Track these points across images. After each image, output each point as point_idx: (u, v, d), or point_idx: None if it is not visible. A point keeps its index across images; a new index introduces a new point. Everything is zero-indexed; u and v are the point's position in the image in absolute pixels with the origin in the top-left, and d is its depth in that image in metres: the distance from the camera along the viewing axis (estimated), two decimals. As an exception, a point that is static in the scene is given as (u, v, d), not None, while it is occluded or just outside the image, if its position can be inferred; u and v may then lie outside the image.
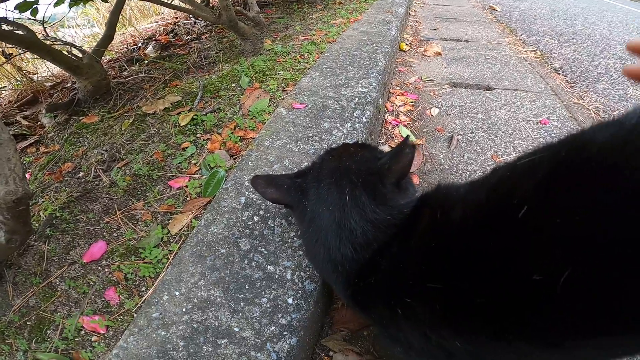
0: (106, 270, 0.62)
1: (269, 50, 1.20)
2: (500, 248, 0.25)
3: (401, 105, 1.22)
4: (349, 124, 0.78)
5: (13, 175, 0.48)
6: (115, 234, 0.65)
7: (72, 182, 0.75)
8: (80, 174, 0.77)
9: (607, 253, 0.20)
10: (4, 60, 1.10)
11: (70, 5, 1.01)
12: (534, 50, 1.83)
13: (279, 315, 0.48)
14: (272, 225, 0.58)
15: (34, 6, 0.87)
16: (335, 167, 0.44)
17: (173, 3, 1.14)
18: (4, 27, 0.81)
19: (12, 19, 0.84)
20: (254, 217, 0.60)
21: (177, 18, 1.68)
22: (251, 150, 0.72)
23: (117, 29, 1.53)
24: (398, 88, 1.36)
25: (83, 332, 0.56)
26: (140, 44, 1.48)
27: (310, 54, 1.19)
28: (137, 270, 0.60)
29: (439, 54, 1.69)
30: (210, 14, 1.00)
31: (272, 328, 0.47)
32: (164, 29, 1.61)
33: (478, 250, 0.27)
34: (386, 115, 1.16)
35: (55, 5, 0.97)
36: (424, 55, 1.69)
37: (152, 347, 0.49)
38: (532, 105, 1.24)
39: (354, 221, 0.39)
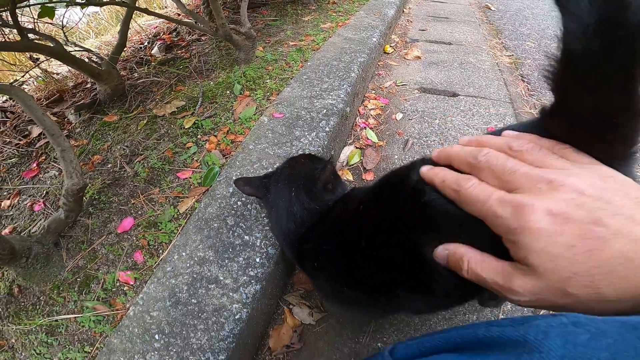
0: (134, 238, 0.85)
1: (260, 57, 1.39)
2: (372, 226, 0.43)
3: (372, 109, 1.42)
4: (314, 132, 1.00)
5: (76, 172, 0.72)
6: (139, 212, 0.89)
7: (103, 172, 0.99)
8: (109, 165, 1.01)
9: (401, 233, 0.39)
10: (32, 65, 1.31)
11: (83, 6, 1.18)
12: (510, 55, 1.96)
13: (250, 270, 0.68)
14: (250, 208, 0.83)
15: (55, 6, 1.04)
16: (288, 173, 0.68)
17: (179, 16, 1.31)
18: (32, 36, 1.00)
19: (35, 29, 1.03)
20: (238, 202, 0.84)
21: (179, 16, 1.84)
22: (238, 152, 0.96)
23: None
24: (373, 92, 1.55)
25: (118, 284, 0.76)
26: (146, 43, 1.66)
27: (296, 62, 1.38)
28: (156, 238, 0.85)
29: (419, 57, 1.84)
30: (209, 27, 1.19)
31: (245, 277, 0.68)
32: (167, 27, 1.78)
33: (361, 227, 0.45)
34: (357, 118, 1.37)
35: (66, 6, 1.13)
36: (404, 58, 1.85)
37: (166, 291, 0.68)
38: (487, 112, 1.43)
39: (296, 209, 0.62)
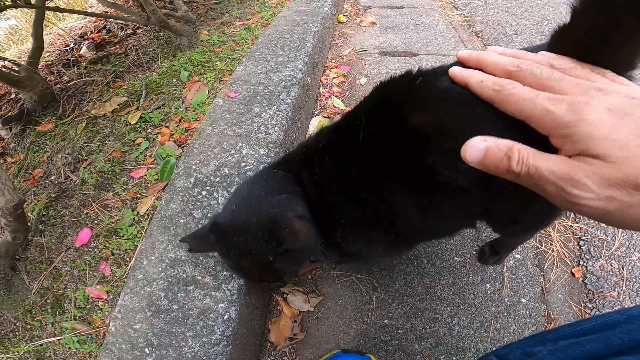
0: (96, 250, 0.80)
1: (205, 41, 1.32)
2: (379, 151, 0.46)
3: (335, 78, 1.41)
4: (275, 106, 0.97)
5: (7, 188, 0.65)
6: (95, 221, 0.84)
7: (47, 185, 0.91)
8: (52, 177, 0.92)
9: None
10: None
11: None
12: (461, 14, 2.03)
13: (229, 262, 0.67)
14: (217, 196, 0.79)
15: None
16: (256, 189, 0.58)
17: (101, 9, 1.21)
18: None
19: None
20: (202, 192, 0.80)
21: (107, 12, 1.70)
22: (195, 139, 0.91)
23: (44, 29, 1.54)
24: (333, 61, 1.54)
25: (91, 300, 0.73)
26: (72, 45, 1.52)
27: (245, 41, 1.33)
28: (120, 246, 0.80)
29: (374, 23, 1.85)
30: (139, 17, 1.11)
31: (225, 273, 0.65)
32: (94, 25, 1.64)
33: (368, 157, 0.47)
34: (321, 88, 1.35)
35: None
36: (360, 25, 1.85)
37: (143, 301, 0.64)
38: (448, 67, 1.48)
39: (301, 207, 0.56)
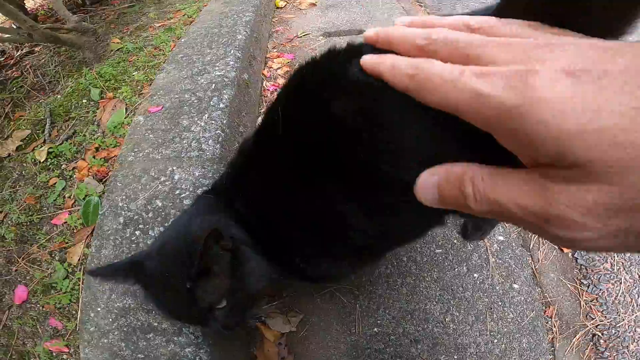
0: (38, 305, 0.72)
1: (117, 50, 1.14)
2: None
3: (278, 68, 1.29)
4: (206, 115, 0.85)
5: None
6: (28, 277, 0.75)
7: None
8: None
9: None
10: None
11: None
12: (402, -20, 1.95)
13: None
14: (153, 234, 0.67)
15: None
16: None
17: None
18: None
19: None
20: (135, 232, 0.68)
21: (-2, 29, 1.44)
22: (117, 170, 0.77)
23: None
24: (275, 50, 1.41)
25: (55, 354, 0.67)
26: (-41, 75, 1.27)
27: (166, 43, 1.17)
28: (59, 301, 0.71)
29: (314, 4, 1.73)
30: (19, 35, 0.91)
31: None
32: (-16, 47, 1.38)
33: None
34: (264, 82, 1.23)
35: None
36: (299, 9, 1.72)
37: (105, 353, 0.60)
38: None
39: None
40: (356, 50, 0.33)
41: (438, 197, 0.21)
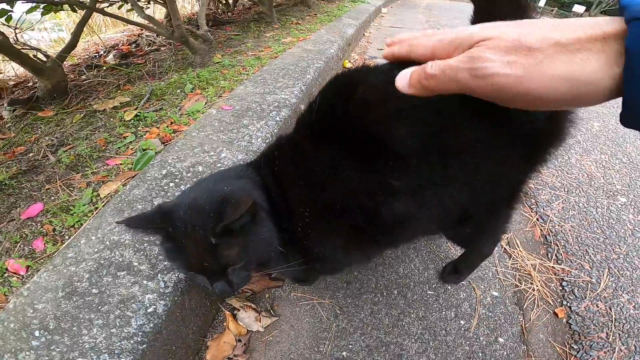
0: (39, 224, 0.78)
1: (217, 63, 1.46)
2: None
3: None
4: (263, 121, 1.03)
5: None
6: (52, 198, 0.84)
7: (23, 160, 0.94)
8: (31, 154, 0.96)
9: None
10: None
11: (43, 14, 1.23)
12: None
13: (172, 255, 0.65)
14: (184, 188, 0.79)
15: (9, 14, 1.09)
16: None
17: (136, 19, 1.39)
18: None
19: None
20: (170, 184, 0.80)
21: (142, 30, 1.94)
22: (179, 138, 0.95)
23: (83, 36, 1.75)
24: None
25: (6, 274, 0.69)
26: (102, 52, 1.70)
27: (252, 67, 1.46)
28: (64, 222, 0.76)
29: (378, 72, 2.02)
30: (165, 30, 1.26)
31: (165, 263, 0.61)
32: (127, 39, 1.85)
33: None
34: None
35: (28, 12, 1.20)
36: (365, 72, 2.02)
37: (61, 280, 0.60)
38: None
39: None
40: (375, 68, 0.44)
41: (408, 81, 0.31)
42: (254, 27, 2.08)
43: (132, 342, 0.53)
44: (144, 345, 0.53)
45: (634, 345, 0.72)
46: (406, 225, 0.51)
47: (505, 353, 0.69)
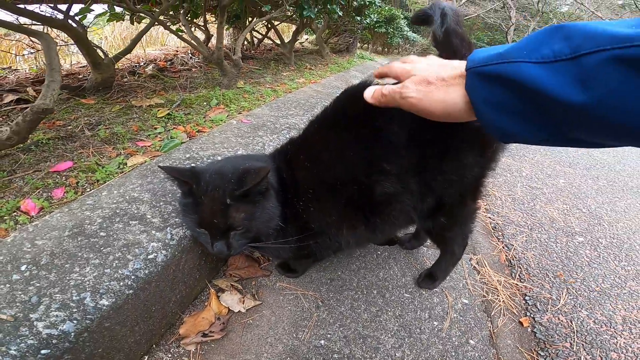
0: (64, 178, 0.84)
1: (240, 87, 1.74)
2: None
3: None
4: (275, 135, 1.25)
5: (51, 97, 0.86)
6: (83, 159, 0.93)
7: (61, 130, 1.09)
8: (69, 127, 1.12)
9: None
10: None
11: (108, 20, 1.51)
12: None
13: (183, 215, 0.73)
14: None
15: (87, 13, 1.35)
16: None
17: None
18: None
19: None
20: (192, 164, 0.97)
21: (177, 51, 2.26)
22: (203, 134, 1.15)
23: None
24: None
25: (15, 213, 0.69)
26: (142, 63, 1.98)
27: (269, 96, 1.74)
28: (89, 178, 0.84)
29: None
30: (207, 51, 1.54)
31: (176, 219, 0.69)
32: (164, 56, 2.16)
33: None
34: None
35: (97, 17, 1.47)
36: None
37: (72, 221, 0.61)
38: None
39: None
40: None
41: (372, 94, 0.48)
42: (274, 65, 2.45)
43: (121, 284, 0.53)
44: (131, 291, 0.54)
45: (599, 356, 0.76)
46: (392, 206, 0.66)
47: (476, 354, 0.72)
